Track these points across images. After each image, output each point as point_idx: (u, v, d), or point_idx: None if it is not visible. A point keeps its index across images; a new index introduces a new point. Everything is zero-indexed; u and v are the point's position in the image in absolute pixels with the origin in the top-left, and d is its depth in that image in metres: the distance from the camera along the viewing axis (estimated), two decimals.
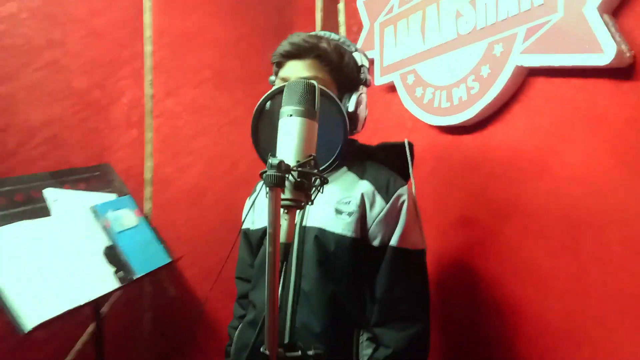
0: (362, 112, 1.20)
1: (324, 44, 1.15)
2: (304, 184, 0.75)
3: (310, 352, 0.78)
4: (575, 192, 1.14)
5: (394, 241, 1.11)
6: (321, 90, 0.99)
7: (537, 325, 1.23)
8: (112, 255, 1.57)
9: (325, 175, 0.95)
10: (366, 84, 1.23)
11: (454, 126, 1.51)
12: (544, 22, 1.16)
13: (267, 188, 0.70)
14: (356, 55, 1.22)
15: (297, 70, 1.13)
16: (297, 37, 1.14)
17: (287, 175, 0.72)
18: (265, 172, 0.70)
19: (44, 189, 1.53)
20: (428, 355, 1.12)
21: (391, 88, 1.86)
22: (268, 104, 1.04)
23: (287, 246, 0.75)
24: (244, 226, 1.29)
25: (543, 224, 1.22)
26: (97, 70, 1.88)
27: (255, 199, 1.26)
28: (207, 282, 2.14)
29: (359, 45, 2.01)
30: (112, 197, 1.75)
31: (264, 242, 1.20)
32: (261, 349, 0.72)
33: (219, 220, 2.14)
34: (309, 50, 1.13)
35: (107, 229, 1.61)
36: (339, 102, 1.01)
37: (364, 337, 1.10)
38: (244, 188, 1.32)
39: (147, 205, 2.01)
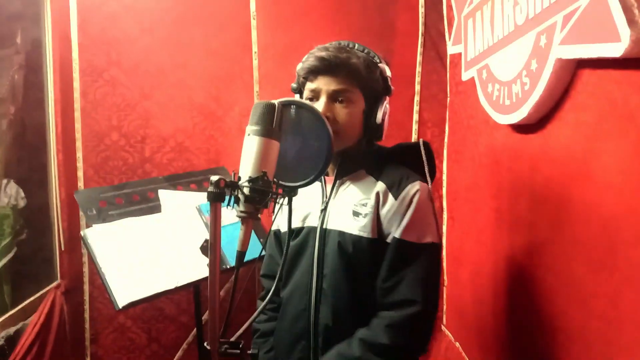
0: (386, 121, 1.23)
1: (354, 59, 1.17)
2: (254, 198, 0.85)
3: (250, 351, 0.88)
4: (610, 201, 0.98)
5: (397, 233, 1.13)
6: (306, 105, 1.06)
7: (581, 348, 1.09)
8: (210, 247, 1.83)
9: (290, 188, 1.02)
10: (389, 93, 1.24)
11: (515, 124, 1.38)
12: (575, 7, 1.01)
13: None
14: (382, 66, 1.23)
15: (328, 84, 1.16)
16: (325, 52, 1.17)
17: (240, 190, 0.85)
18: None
19: (158, 190, 1.85)
20: (428, 340, 1.16)
21: (472, 84, 1.76)
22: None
23: (242, 254, 0.87)
24: (274, 227, 1.37)
25: (587, 236, 1.07)
26: (213, 85, 2.18)
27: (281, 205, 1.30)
28: None
29: (451, 39, 1.95)
30: None
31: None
32: (204, 344, 0.84)
33: None
34: (340, 66, 1.16)
35: (207, 225, 1.87)
36: (322, 116, 1.04)
37: None
38: None
39: None
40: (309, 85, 1.20)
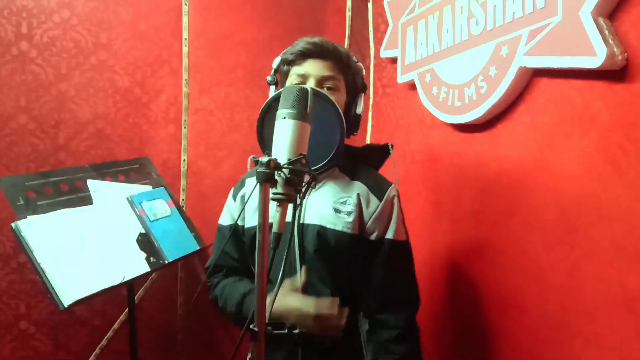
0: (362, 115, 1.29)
1: (341, 49, 1.24)
2: (294, 180, 0.85)
3: (295, 331, 0.88)
4: (571, 189, 1.16)
5: (390, 234, 1.21)
6: (321, 94, 1.10)
7: (537, 318, 1.26)
8: (145, 242, 1.72)
9: (316, 173, 1.04)
10: (365, 91, 1.33)
11: (465, 124, 1.54)
12: (545, 24, 1.18)
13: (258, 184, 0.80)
14: (359, 65, 1.30)
15: (318, 68, 1.20)
16: (316, 39, 1.21)
17: (279, 172, 0.81)
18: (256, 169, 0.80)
19: (87, 179, 1.69)
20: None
21: (412, 86, 1.91)
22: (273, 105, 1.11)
23: (279, 235, 0.85)
24: (231, 222, 1.33)
25: (544, 219, 1.25)
26: (139, 70, 2.04)
27: (248, 198, 1.24)
28: None
29: (383, 44, 2.08)
30: (147, 188, 1.90)
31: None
32: (251, 326, 0.81)
33: None
34: (332, 52, 1.21)
35: (141, 218, 1.76)
36: (337, 105, 1.08)
37: (361, 318, 1.22)
38: None
39: (182, 196, 2.16)
40: (296, 70, 1.22)
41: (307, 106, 0.91)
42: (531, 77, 1.30)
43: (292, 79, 1.23)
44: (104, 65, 1.97)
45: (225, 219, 1.36)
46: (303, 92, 0.90)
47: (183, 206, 2.14)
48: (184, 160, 2.14)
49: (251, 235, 1.26)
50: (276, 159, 0.83)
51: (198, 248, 1.90)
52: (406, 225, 1.28)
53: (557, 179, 1.21)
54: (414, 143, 1.91)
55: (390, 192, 1.25)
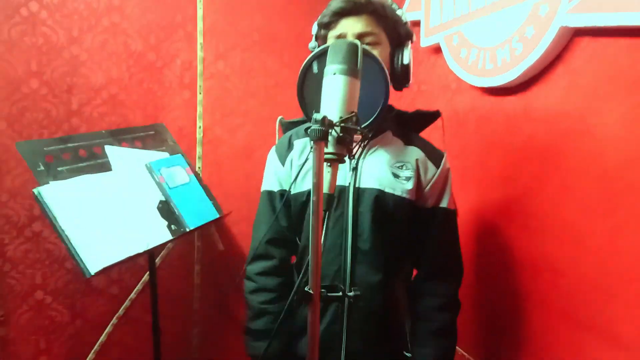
0: (411, 66, 1.23)
1: (375, 0, 1.17)
2: (346, 139, 0.81)
3: (350, 293, 0.86)
4: (613, 153, 1.13)
5: (444, 203, 1.22)
6: (365, 51, 1.04)
7: (573, 281, 1.25)
8: (166, 209, 1.68)
9: (367, 132, 1.00)
10: (412, 39, 1.26)
11: (497, 87, 1.50)
12: None
13: (312, 142, 0.76)
14: (399, 12, 1.24)
15: (353, 26, 1.15)
16: None
17: (330, 130, 0.77)
18: (310, 127, 0.76)
19: (104, 145, 1.64)
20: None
21: (435, 50, 1.86)
22: (315, 63, 1.06)
23: (331, 197, 0.82)
24: (280, 187, 1.29)
25: (582, 183, 1.22)
26: (153, 34, 1.97)
27: (304, 162, 1.21)
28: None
29: (405, 6, 2.02)
30: (165, 155, 1.86)
31: (309, 205, 1.16)
32: (305, 288, 0.78)
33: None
34: (365, 6, 1.15)
35: (161, 185, 1.72)
36: (382, 63, 1.03)
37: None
38: None
39: (198, 164, 2.12)
40: (333, 32, 1.18)
41: (357, 62, 0.86)
42: (572, 37, 1.26)
43: (331, 41, 1.17)
44: (117, 28, 1.90)
45: (273, 185, 1.30)
46: (353, 47, 0.85)
47: (199, 174, 2.10)
48: (200, 127, 2.10)
49: (300, 203, 1.22)
50: (328, 117, 0.79)
51: (218, 216, 1.87)
52: None
53: (598, 142, 1.18)
54: (437, 109, 1.86)
55: (446, 160, 1.24)
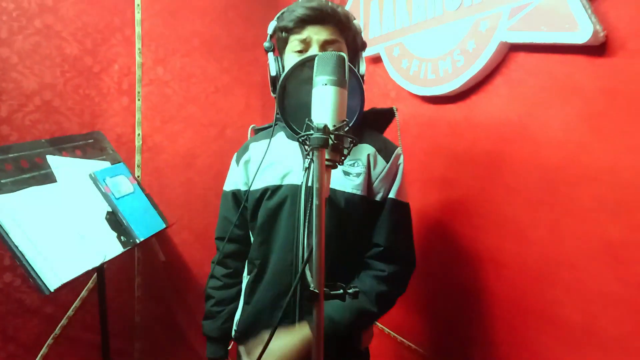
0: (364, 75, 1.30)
1: (340, 10, 1.22)
2: (339, 146, 0.86)
3: (350, 290, 0.90)
4: (552, 154, 1.28)
5: (392, 194, 1.25)
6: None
7: (516, 271, 1.38)
8: (114, 220, 1.63)
9: (356, 138, 1.06)
10: (365, 48, 1.33)
11: (439, 96, 1.63)
12: (528, 2, 1.29)
13: (313, 149, 0.80)
14: (356, 22, 1.29)
15: (319, 33, 1.18)
16: (313, 3, 1.19)
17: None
18: (309, 135, 0.80)
19: (46, 155, 1.56)
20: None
21: (375, 59, 1.96)
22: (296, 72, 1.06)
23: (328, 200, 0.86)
24: (233, 187, 1.35)
25: (524, 182, 1.36)
26: (89, 37, 1.89)
27: (263, 159, 1.24)
28: (194, 247, 2.23)
29: None
30: (106, 164, 1.79)
31: (263, 202, 1.25)
32: (310, 288, 0.82)
33: (206, 186, 2.22)
34: (331, 15, 1.19)
35: (107, 195, 1.66)
36: (357, 72, 1.09)
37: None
38: (232, 154, 1.37)
39: (137, 172, 2.05)
40: (297, 37, 1.20)
41: (344, 73, 0.92)
42: (508, 51, 1.40)
43: (293, 46, 1.21)
44: (51, 30, 1.80)
45: (228, 185, 1.37)
46: (340, 59, 0.90)
47: (139, 183, 2.04)
48: (139, 134, 2.04)
49: (254, 200, 1.26)
50: (327, 125, 0.83)
51: (165, 227, 1.83)
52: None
53: (537, 145, 1.33)
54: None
55: (397, 153, 1.29)
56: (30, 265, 1.24)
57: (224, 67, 2.23)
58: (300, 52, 1.20)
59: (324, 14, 1.19)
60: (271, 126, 1.40)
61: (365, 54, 1.94)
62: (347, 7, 2.06)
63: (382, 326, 1.95)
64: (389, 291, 1.23)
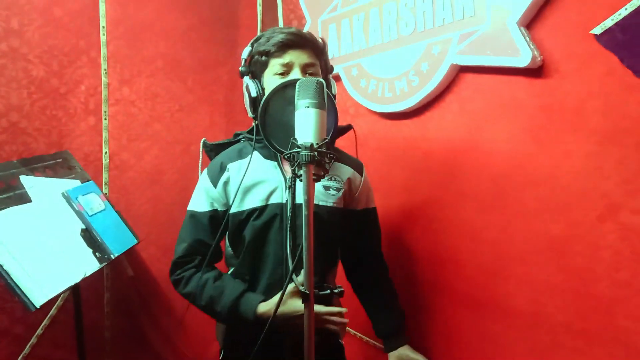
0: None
1: (316, 37, 1.35)
2: (322, 161, 0.97)
3: (336, 290, 1.01)
4: (500, 162, 1.45)
5: (372, 204, 1.49)
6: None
7: (472, 269, 1.54)
8: (88, 237, 1.67)
9: (335, 155, 1.17)
10: (332, 71, 1.45)
11: (395, 112, 1.78)
12: (475, 30, 1.46)
13: (301, 165, 0.91)
14: (326, 49, 1.42)
15: (300, 57, 1.28)
16: (292, 29, 1.30)
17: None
18: (297, 152, 0.91)
19: (19, 176, 1.58)
20: None
21: (334, 78, 2.09)
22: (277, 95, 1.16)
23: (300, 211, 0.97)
24: (209, 208, 1.34)
25: (476, 188, 1.52)
26: (55, 60, 1.92)
27: (241, 181, 1.28)
28: (163, 262, 2.27)
29: None
30: (76, 182, 1.82)
31: (250, 222, 1.29)
32: (300, 288, 0.93)
33: (173, 202, 2.27)
34: (310, 41, 1.31)
35: (80, 213, 1.69)
36: (332, 95, 1.21)
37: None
38: (197, 171, 1.38)
39: (105, 190, 2.08)
40: (278, 60, 1.28)
41: (324, 96, 1.03)
42: (458, 72, 1.57)
43: (274, 69, 1.28)
44: (16, 53, 1.82)
45: (201, 206, 1.34)
46: (319, 84, 1.01)
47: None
48: (106, 152, 2.07)
49: (238, 221, 1.30)
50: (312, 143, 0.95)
51: (136, 242, 1.88)
52: None
53: (487, 155, 1.49)
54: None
55: (363, 168, 1.49)
56: (15, 283, 1.27)
57: (187, 87, 2.30)
58: (282, 74, 1.28)
59: (304, 39, 1.30)
60: (229, 142, 1.47)
61: None
62: (305, 29, 2.20)
63: (348, 328, 2.06)
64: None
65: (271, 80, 1.28)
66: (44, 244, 1.47)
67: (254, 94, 1.28)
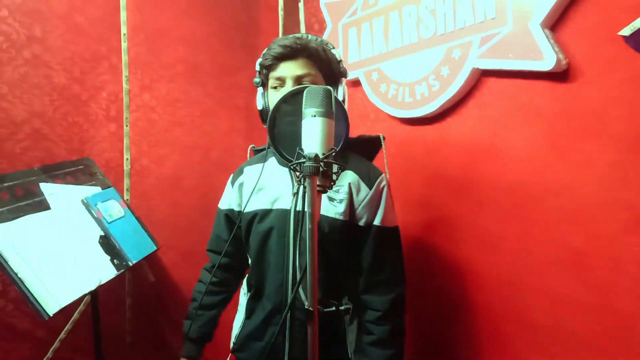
0: (346, 102, 1.38)
1: (312, 44, 1.30)
2: (328, 172, 0.93)
3: (342, 307, 0.98)
4: (519, 170, 1.40)
5: (377, 221, 1.32)
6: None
7: (490, 280, 1.49)
8: (106, 244, 1.68)
9: (344, 164, 1.13)
10: (346, 76, 1.39)
11: (415, 118, 1.73)
12: (496, 32, 1.40)
13: (305, 176, 0.88)
14: (334, 51, 1.37)
15: (291, 69, 1.26)
16: (286, 40, 1.27)
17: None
18: (301, 163, 0.88)
19: (39, 183, 1.60)
20: (405, 313, 1.36)
21: (354, 83, 2.05)
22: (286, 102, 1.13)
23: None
24: (227, 207, 1.45)
25: (494, 197, 1.47)
26: (77, 66, 1.94)
27: (257, 183, 1.31)
28: (183, 267, 2.27)
29: None
30: (97, 189, 1.83)
31: (254, 225, 1.33)
32: (305, 306, 0.90)
33: (193, 207, 2.27)
34: (301, 50, 1.27)
35: (99, 220, 1.71)
36: (342, 102, 1.18)
37: (346, 299, 1.31)
38: (217, 175, 1.44)
39: (126, 196, 2.10)
40: (273, 74, 1.28)
41: (332, 105, 1.00)
42: (480, 77, 1.51)
43: (271, 83, 1.29)
44: (39, 60, 1.85)
45: (223, 204, 1.48)
46: (327, 92, 0.98)
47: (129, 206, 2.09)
48: (127, 159, 2.09)
49: (247, 221, 1.34)
50: (317, 154, 0.91)
51: (156, 248, 1.88)
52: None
53: (506, 162, 1.44)
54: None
55: (381, 181, 1.35)
56: (29, 291, 1.28)
57: (207, 92, 2.30)
58: (275, 88, 1.29)
59: (294, 50, 1.27)
60: (263, 148, 1.47)
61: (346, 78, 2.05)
62: (326, 34, 2.17)
63: None
64: (396, 329, 1.31)
65: (270, 93, 1.31)
66: (61, 251, 1.48)
67: (259, 107, 1.31)
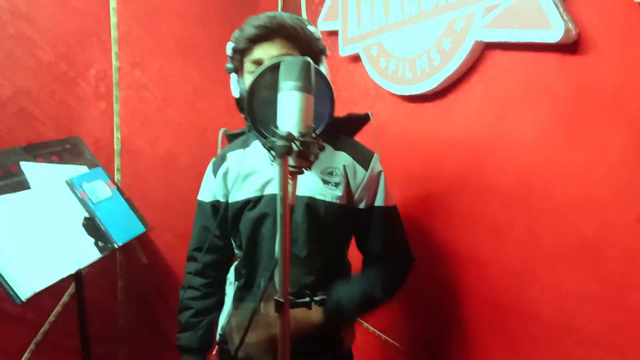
0: (328, 77, 1.28)
1: (289, 22, 1.19)
2: (305, 152, 0.84)
3: (317, 298, 0.90)
4: (526, 153, 1.29)
5: (379, 202, 1.26)
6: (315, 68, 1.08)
7: (494, 270, 1.39)
8: (91, 226, 1.62)
9: (323, 144, 1.04)
10: (326, 53, 1.30)
11: (417, 95, 1.62)
12: (501, 1, 1.28)
13: (276, 156, 0.79)
14: (311, 28, 1.26)
15: (268, 51, 1.16)
16: (260, 20, 1.16)
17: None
18: (273, 142, 0.79)
19: (20, 162, 1.54)
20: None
21: (354, 59, 1.95)
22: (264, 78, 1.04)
23: (292, 208, 0.85)
24: (212, 199, 1.33)
25: (500, 182, 1.37)
26: (64, 42, 1.86)
27: (239, 172, 1.27)
28: (177, 249, 2.22)
29: (321, 16, 2.09)
30: (84, 169, 1.77)
31: (244, 213, 1.25)
32: (275, 297, 0.82)
33: (188, 189, 2.19)
34: (277, 30, 1.16)
35: (84, 201, 1.64)
36: (326, 76, 1.08)
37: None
38: (213, 156, 1.35)
39: (117, 176, 2.04)
40: (249, 58, 1.18)
41: (310, 78, 0.90)
42: (483, 50, 1.40)
43: (247, 67, 1.19)
44: (23, 36, 1.77)
45: (205, 196, 1.35)
46: (306, 64, 0.89)
47: (119, 186, 2.02)
48: (118, 138, 2.02)
49: (235, 210, 1.25)
50: (290, 132, 0.82)
51: (144, 230, 1.82)
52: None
53: (513, 144, 1.33)
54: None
55: (375, 161, 1.28)
56: (1, 275, 1.23)
57: (202, 69, 2.21)
58: (252, 72, 1.17)
59: (269, 30, 1.16)
60: (244, 132, 1.39)
61: (345, 53, 1.95)
62: (325, 9, 2.06)
63: (366, 325, 1.95)
64: (392, 280, 1.28)
65: (247, 78, 1.19)
66: (39, 233, 1.42)
67: (236, 95, 1.21)
